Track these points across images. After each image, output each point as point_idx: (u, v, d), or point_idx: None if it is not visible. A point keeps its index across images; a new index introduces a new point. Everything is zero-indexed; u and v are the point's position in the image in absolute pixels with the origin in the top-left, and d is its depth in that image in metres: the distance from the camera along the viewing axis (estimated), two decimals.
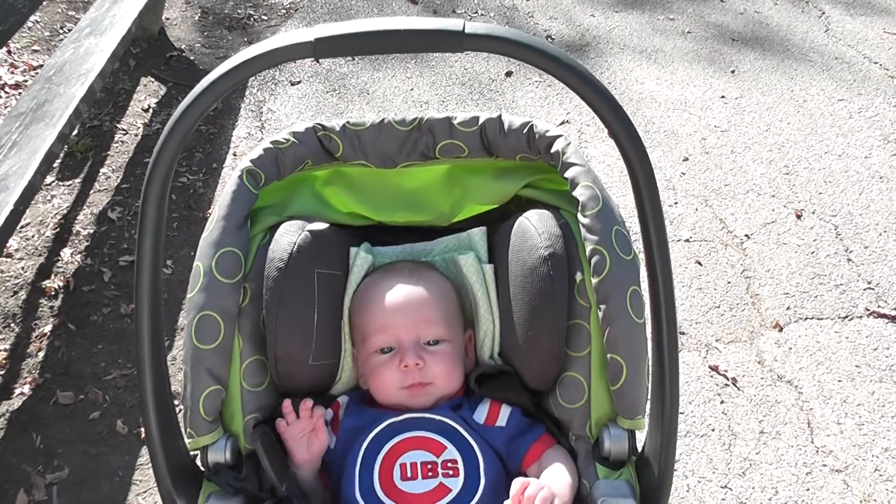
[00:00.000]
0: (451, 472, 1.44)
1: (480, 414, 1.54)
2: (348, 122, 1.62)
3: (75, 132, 4.02)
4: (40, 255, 3.45)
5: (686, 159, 4.05)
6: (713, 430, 2.77)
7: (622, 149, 1.20)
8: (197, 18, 5.23)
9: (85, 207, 3.76)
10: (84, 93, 3.24)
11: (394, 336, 1.54)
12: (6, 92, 4.38)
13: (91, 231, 3.63)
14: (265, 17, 5.32)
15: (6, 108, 4.22)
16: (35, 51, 4.71)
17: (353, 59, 4.80)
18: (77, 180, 3.91)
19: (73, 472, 2.67)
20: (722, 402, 2.86)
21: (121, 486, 2.64)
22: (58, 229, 3.62)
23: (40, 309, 3.23)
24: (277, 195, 1.64)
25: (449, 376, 1.55)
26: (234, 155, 4.07)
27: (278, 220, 1.60)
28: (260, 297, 1.52)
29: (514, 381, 1.56)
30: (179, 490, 1.37)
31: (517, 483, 1.34)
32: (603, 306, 1.43)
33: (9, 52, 4.63)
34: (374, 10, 5.44)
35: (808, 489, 2.60)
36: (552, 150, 1.54)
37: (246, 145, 4.14)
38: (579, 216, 1.49)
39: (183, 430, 1.45)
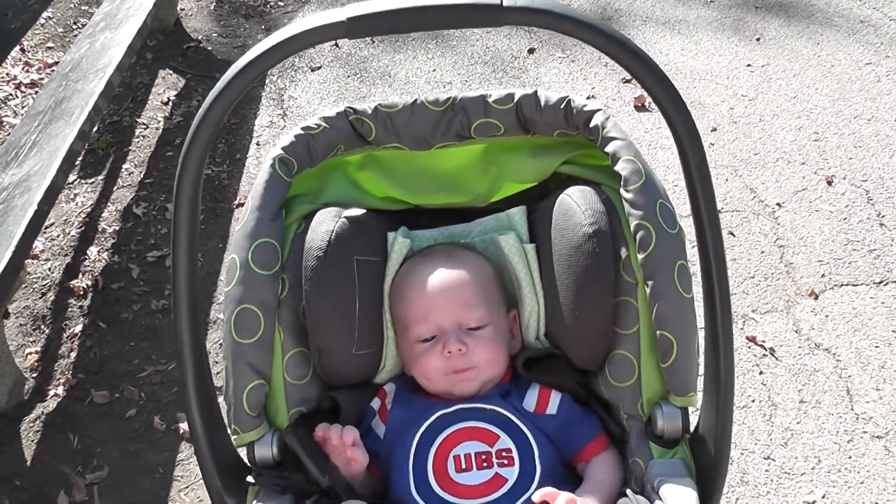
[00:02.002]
0: (506, 462, 1.41)
1: (530, 401, 1.50)
2: (380, 105, 1.58)
3: (95, 128, 4.01)
4: (66, 255, 3.44)
5: (714, 130, 3.99)
6: (753, 401, 2.73)
7: (669, 120, 1.16)
8: (212, 8, 5.20)
9: (109, 204, 3.75)
10: (102, 88, 3.21)
11: (434, 323, 1.50)
12: (22, 91, 4.38)
13: (117, 228, 3.62)
14: (281, 4, 5.29)
15: (23, 107, 4.21)
16: (49, 48, 4.70)
17: (373, 42, 4.76)
18: (100, 177, 3.90)
19: (113, 470, 2.67)
20: (761, 372, 2.82)
21: (162, 482, 2.63)
22: (83, 228, 3.61)
23: (70, 309, 3.23)
24: (311, 182, 1.60)
25: (493, 360, 1.51)
26: (258, 144, 4.05)
27: (313, 208, 1.56)
28: (299, 288, 1.48)
29: (562, 363, 1.52)
30: (228, 489, 1.35)
31: (545, 491, 1.31)
32: (650, 282, 1.39)
33: (22, 50, 4.61)
34: None
35: (849, 457, 2.56)
36: (591, 125, 1.50)
37: (269, 134, 4.12)
38: (622, 191, 1.45)
39: (228, 426, 1.42)
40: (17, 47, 4.55)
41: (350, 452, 1.40)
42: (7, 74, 4.46)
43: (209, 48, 4.77)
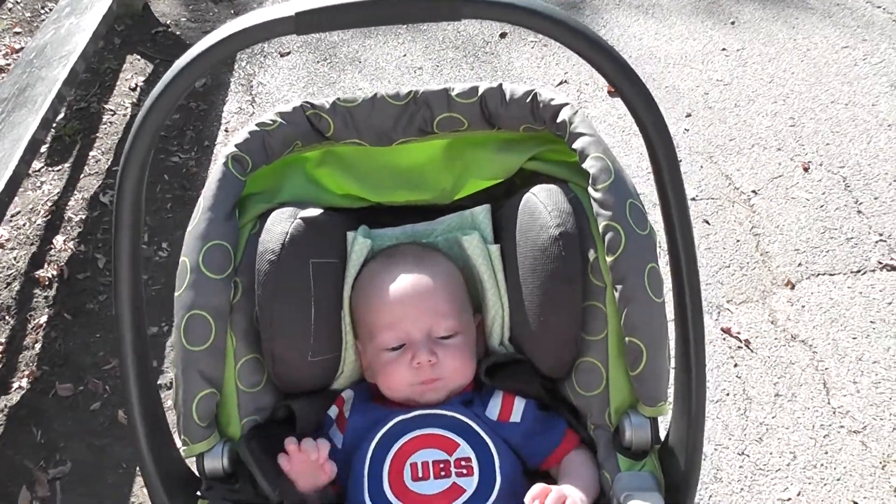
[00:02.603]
0: (464, 471, 1.36)
1: (493, 409, 1.45)
2: (339, 99, 1.53)
3: (62, 115, 3.93)
4: (32, 244, 3.37)
5: (689, 115, 3.95)
6: (728, 394, 2.70)
7: (637, 117, 1.11)
8: None
9: (76, 192, 3.67)
10: (66, 75, 3.15)
11: (403, 332, 1.45)
12: None
13: (83, 216, 3.55)
14: None
15: None
16: (17, 33, 4.59)
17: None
18: (66, 165, 3.82)
19: (77, 465, 2.62)
20: (735, 365, 2.80)
21: (126, 477, 2.59)
22: (49, 216, 3.54)
23: (35, 299, 3.16)
24: (267, 181, 1.55)
25: (462, 371, 1.46)
26: (226, 131, 3.98)
27: (269, 208, 1.50)
28: (252, 292, 1.43)
29: (526, 369, 1.47)
30: (175, 502, 1.30)
31: (538, 488, 1.26)
32: (619, 286, 1.35)
33: None
34: None
35: (826, 452, 2.54)
36: (558, 120, 1.45)
37: (237, 121, 4.04)
38: (590, 190, 1.40)
39: (178, 437, 1.37)
40: None
41: (326, 467, 1.36)
42: None
43: (178, 33, 4.68)
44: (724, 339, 2.88)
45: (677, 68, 4.27)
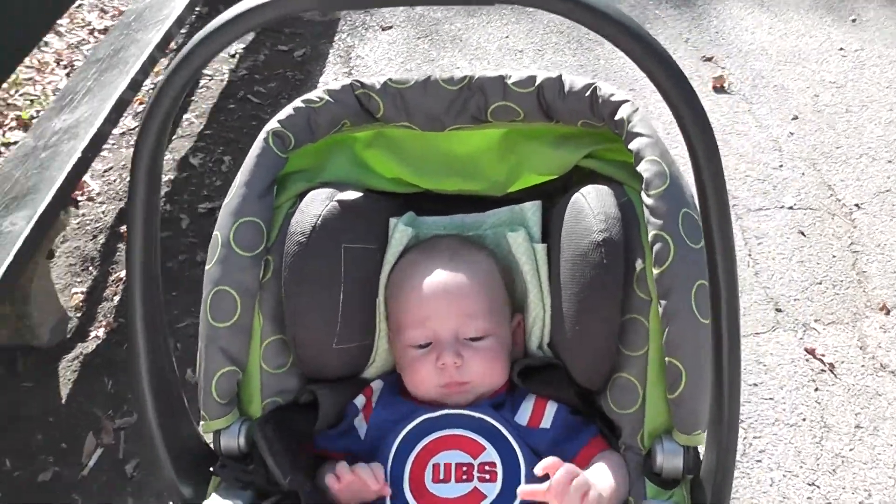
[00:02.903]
0: (487, 477, 1.30)
1: (523, 415, 1.38)
2: (390, 80, 1.47)
3: (149, 79, 4.01)
4: (121, 200, 3.45)
5: (796, 118, 3.75)
6: (804, 419, 2.55)
7: (684, 130, 0.99)
8: None
9: (167, 153, 3.73)
10: (159, 39, 3.21)
11: (431, 330, 1.39)
12: (95, 37, 4.41)
13: (172, 177, 3.61)
14: None
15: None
16: None
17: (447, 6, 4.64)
18: None
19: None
20: (816, 389, 2.64)
21: None
22: None
23: (118, 253, 3.24)
24: (311, 158, 1.51)
25: (490, 374, 1.40)
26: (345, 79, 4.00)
27: (309, 187, 1.46)
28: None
29: (561, 376, 1.39)
30: (183, 476, 1.28)
31: (550, 460, 1.20)
32: (664, 301, 1.26)
33: None
34: None
35: None
36: (616, 117, 1.36)
37: None
38: (643, 195, 1.31)
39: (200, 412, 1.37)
40: None
41: (386, 489, 1.29)
42: (83, 20, 4.50)
43: None
44: (808, 360, 2.73)
45: (789, 66, 4.07)
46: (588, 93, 1.39)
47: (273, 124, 1.43)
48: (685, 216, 1.27)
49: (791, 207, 3.30)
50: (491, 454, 1.32)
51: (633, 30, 0.94)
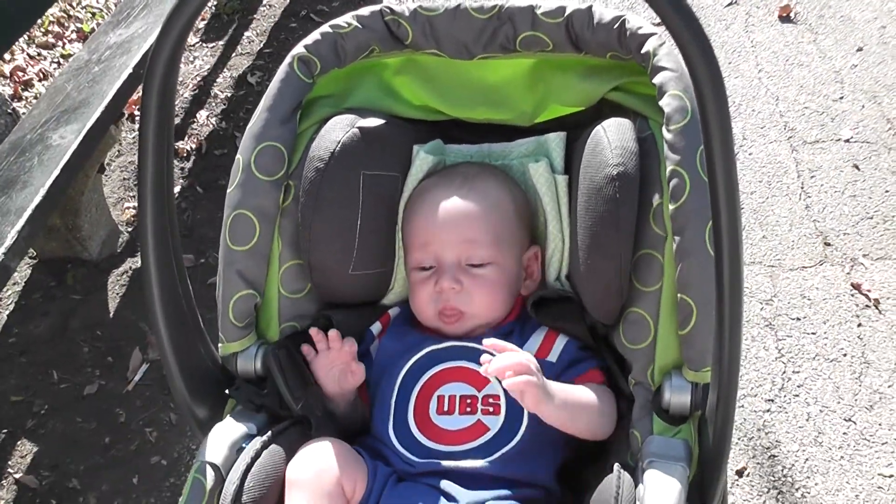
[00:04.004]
0: (491, 409, 1.30)
1: (532, 345, 1.38)
2: (420, 7, 1.44)
3: None
4: (177, 116, 3.48)
5: (860, 49, 3.60)
6: (845, 355, 2.51)
7: (690, 65, 0.95)
8: None
9: (225, 70, 3.76)
10: None
11: (433, 254, 1.39)
12: None
13: (229, 94, 3.64)
14: None
15: None
16: None
17: None
18: (220, 42, 3.91)
19: None
20: (859, 325, 2.58)
21: None
22: (196, 91, 3.64)
23: None
24: (338, 84, 1.49)
25: (489, 304, 1.39)
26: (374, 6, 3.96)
27: (334, 112, 1.45)
28: None
29: (575, 309, 1.38)
30: (196, 397, 1.30)
31: (495, 341, 1.22)
32: (678, 237, 1.23)
33: None
34: None
35: None
36: (643, 50, 1.32)
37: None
38: (663, 130, 1.27)
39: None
40: None
41: (354, 366, 1.34)
42: None
43: None
44: (853, 295, 2.67)
45: None
46: (616, 25, 1.35)
47: (299, 49, 1.42)
48: (703, 153, 1.24)
49: (848, 140, 3.19)
50: (495, 387, 1.32)
51: None
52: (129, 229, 3.09)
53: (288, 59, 1.41)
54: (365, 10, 1.46)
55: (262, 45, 3.87)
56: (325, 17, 3.94)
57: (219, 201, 3.05)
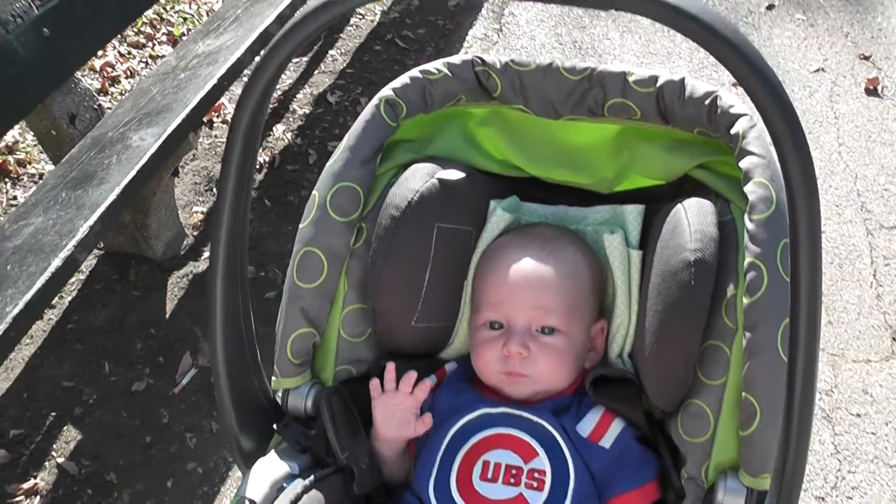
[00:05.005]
0: (535, 485, 1.27)
1: (586, 426, 1.34)
2: (512, 61, 1.43)
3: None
4: None
5: None
6: None
7: (780, 154, 0.90)
8: None
9: (306, 87, 3.79)
10: None
11: (505, 315, 1.36)
12: None
13: (307, 111, 3.67)
14: None
15: None
16: None
17: None
18: (304, 59, 3.95)
19: None
20: None
21: None
22: (275, 104, 3.68)
23: None
24: (423, 129, 1.49)
25: (554, 373, 1.36)
26: (465, 54, 3.97)
27: (415, 158, 1.44)
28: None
29: (634, 392, 1.35)
30: (245, 429, 1.30)
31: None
32: (749, 333, 1.19)
33: None
34: None
35: None
36: (732, 131, 1.29)
37: (480, 47, 4.02)
38: (745, 217, 1.23)
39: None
40: None
41: (427, 418, 1.33)
42: None
43: None
44: None
45: None
46: (708, 101, 1.32)
47: (387, 91, 1.41)
48: (785, 248, 1.18)
49: None
50: (542, 461, 1.29)
51: (737, 43, 0.86)
52: (195, 233, 3.12)
53: (375, 101, 1.40)
54: (456, 59, 1.45)
55: (344, 65, 3.90)
56: (410, 43, 4.01)
57: (286, 216, 3.13)
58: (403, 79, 1.42)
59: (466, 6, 4.27)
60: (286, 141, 3.50)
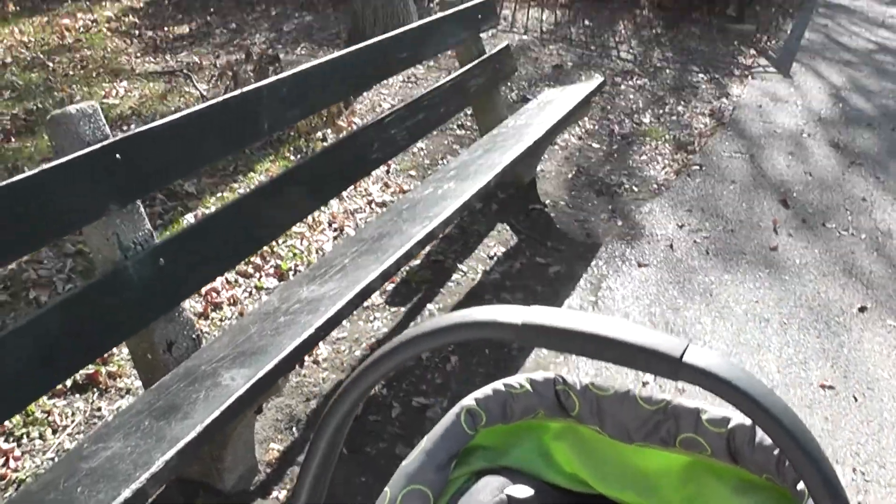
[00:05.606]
0: None
1: None
2: (591, 384, 1.47)
3: (418, 262, 4.20)
4: (343, 371, 3.59)
5: None
6: None
7: None
8: (570, 176, 5.32)
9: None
10: (422, 236, 3.32)
11: None
12: (371, 208, 4.70)
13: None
14: (636, 189, 5.30)
15: (366, 222, 4.51)
16: (410, 175, 5.03)
17: (707, 254, 4.61)
18: (403, 308, 4.06)
19: None
20: None
21: None
22: (368, 351, 3.76)
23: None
24: (499, 438, 1.51)
25: None
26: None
27: (488, 468, 1.46)
28: None
29: None
30: None
31: None
32: None
33: (388, 171, 4.97)
34: (744, 206, 5.21)
35: None
36: (799, 487, 1.28)
37: None
38: None
39: None
40: (384, 167, 4.92)
41: None
42: (365, 190, 4.83)
43: (552, 214, 4.86)
44: None
45: None
46: (777, 451, 1.33)
47: (469, 401, 1.45)
48: None
49: None
50: None
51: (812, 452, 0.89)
52: (268, 470, 3.13)
53: (456, 409, 1.44)
54: (538, 375, 1.49)
55: None
56: (494, 292, 4.09)
57: (360, 467, 3.12)
58: (486, 390, 1.46)
59: (566, 274, 4.38)
60: (372, 391, 3.55)
